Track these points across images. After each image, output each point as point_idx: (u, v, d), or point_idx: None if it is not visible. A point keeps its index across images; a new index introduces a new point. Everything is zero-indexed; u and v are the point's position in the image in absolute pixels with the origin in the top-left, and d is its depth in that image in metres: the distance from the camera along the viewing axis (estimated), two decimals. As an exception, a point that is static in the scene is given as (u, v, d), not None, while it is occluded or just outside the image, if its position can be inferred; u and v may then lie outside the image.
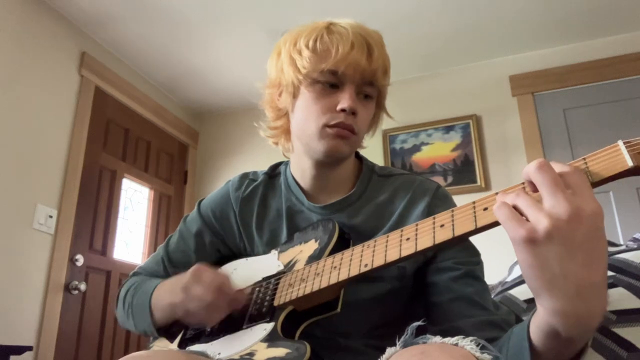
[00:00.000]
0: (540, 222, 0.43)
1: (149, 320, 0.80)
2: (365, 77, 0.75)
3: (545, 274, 0.44)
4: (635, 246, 0.90)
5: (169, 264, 0.91)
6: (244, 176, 0.91)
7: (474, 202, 0.53)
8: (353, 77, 0.74)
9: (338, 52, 0.73)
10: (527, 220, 0.44)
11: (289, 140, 0.84)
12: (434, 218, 0.56)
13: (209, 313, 0.71)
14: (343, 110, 0.73)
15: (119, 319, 0.90)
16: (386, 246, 0.59)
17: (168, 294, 0.77)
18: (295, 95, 0.79)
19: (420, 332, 0.54)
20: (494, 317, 0.66)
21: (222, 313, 0.71)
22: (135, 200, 2.73)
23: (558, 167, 0.46)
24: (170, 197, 2.97)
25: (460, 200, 0.80)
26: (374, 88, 0.77)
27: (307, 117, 0.76)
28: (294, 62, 0.76)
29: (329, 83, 0.75)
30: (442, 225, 0.54)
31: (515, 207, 0.46)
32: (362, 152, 0.90)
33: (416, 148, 2.75)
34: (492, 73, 2.74)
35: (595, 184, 0.46)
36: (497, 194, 0.50)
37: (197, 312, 0.71)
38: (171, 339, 0.81)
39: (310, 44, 0.75)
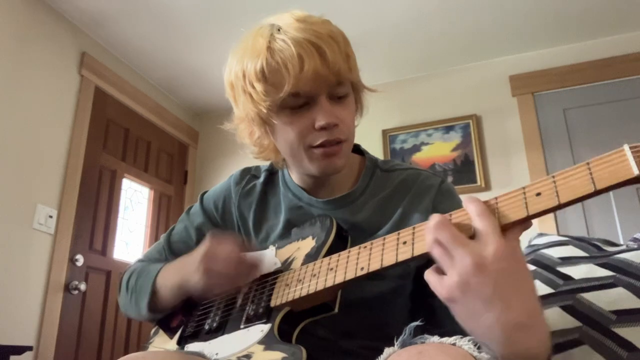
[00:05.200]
0: (452, 280, 0.47)
1: (147, 301, 0.79)
2: (330, 82, 0.69)
3: (474, 325, 0.47)
4: (636, 246, 0.90)
5: (170, 254, 0.91)
6: (246, 171, 0.91)
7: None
8: (318, 89, 0.68)
9: (290, 73, 0.66)
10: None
11: (280, 155, 0.80)
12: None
13: (237, 272, 0.72)
14: (322, 128, 0.69)
15: (122, 306, 0.89)
16: (383, 249, 0.59)
17: (178, 274, 0.77)
18: (268, 123, 0.74)
19: (418, 332, 0.54)
20: None
21: (244, 281, 0.74)
22: (135, 200, 2.73)
23: (471, 209, 0.49)
24: (170, 197, 2.97)
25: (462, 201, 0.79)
26: (344, 85, 0.72)
27: (289, 143, 0.72)
28: (251, 97, 0.70)
29: (296, 105, 0.69)
30: None
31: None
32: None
33: (416, 148, 2.75)
34: (492, 73, 2.74)
35: (598, 192, 0.44)
36: (496, 199, 0.51)
37: (219, 285, 0.72)
38: (170, 335, 0.81)
39: (259, 74, 0.68)
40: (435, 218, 0.50)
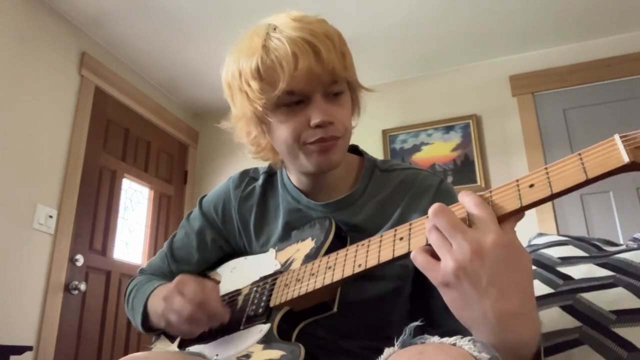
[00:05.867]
0: (448, 265, 0.47)
1: (142, 323, 0.82)
2: (325, 80, 0.69)
3: (467, 312, 0.47)
4: (635, 246, 0.90)
5: (172, 261, 0.91)
6: (244, 173, 0.91)
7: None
8: (312, 87, 0.68)
9: (284, 71, 0.66)
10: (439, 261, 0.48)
11: (278, 155, 0.80)
12: (428, 217, 0.55)
13: (188, 326, 0.69)
14: (317, 126, 0.69)
15: (128, 315, 0.91)
16: (380, 246, 0.59)
17: (158, 302, 0.77)
18: (264, 122, 0.74)
19: (419, 332, 0.54)
20: None
21: (200, 327, 0.70)
22: (135, 200, 2.73)
23: (467, 201, 0.49)
24: (170, 197, 2.97)
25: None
26: (340, 83, 0.72)
27: (285, 141, 0.72)
28: (247, 96, 0.71)
29: (292, 102, 0.69)
30: None
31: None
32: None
33: (416, 148, 2.75)
34: (492, 73, 2.74)
35: (590, 181, 0.45)
36: (491, 191, 0.51)
37: (176, 325, 0.70)
38: (172, 339, 0.82)
39: (254, 72, 0.69)
40: (435, 206, 0.50)
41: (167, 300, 0.71)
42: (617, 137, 0.44)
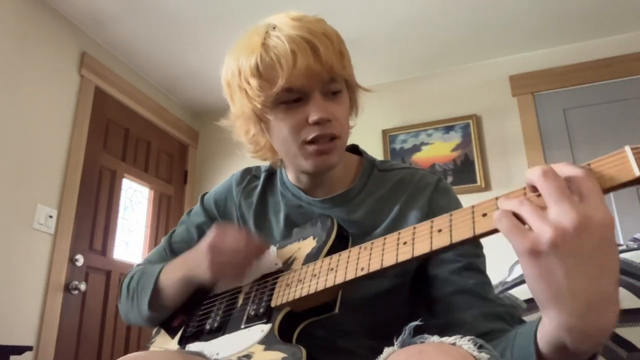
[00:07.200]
0: (545, 233, 0.41)
1: (148, 299, 0.79)
2: (323, 78, 0.70)
3: (551, 288, 0.42)
4: (636, 246, 0.90)
5: (171, 255, 0.91)
6: (247, 171, 0.92)
7: (472, 207, 0.50)
8: (310, 84, 0.70)
9: (283, 69, 0.67)
10: (531, 229, 0.42)
11: (277, 155, 0.81)
12: (432, 222, 0.55)
13: (242, 262, 0.73)
14: (316, 123, 0.70)
15: (123, 312, 0.89)
16: (383, 249, 0.58)
17: (182, 269, 0.77)
18: (263, 120, 0.75)
19: (418, 331, 0.54)
20: (498, 309, 0.66)
21: (252, 260, 0.74)
22: (135, 200, 2.73)
23: (568, 170, 0.43)
24: (170, 197, 2.97)
25: (460, 200, 0.79)
26: (338, 82, 0.73)
27: (284, 139, 0.73)
28: (246, 93, 0.72)
29: (290, 100, 0.70)
30: (439, 230, 0.53)
31: (517, 215, 0.44)
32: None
33: (416, 148, 2.75)
34: (492, 73, 2.74)
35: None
36: (497, 198, 0.48)
37: (230, 263, 0.72)
38: (172, 335, 0.81)
39: (253, 69, 0.70)
40: (545, 167, 0.44)
41: (213, 247, 0.72)
42: (627, 148, 0.42)
